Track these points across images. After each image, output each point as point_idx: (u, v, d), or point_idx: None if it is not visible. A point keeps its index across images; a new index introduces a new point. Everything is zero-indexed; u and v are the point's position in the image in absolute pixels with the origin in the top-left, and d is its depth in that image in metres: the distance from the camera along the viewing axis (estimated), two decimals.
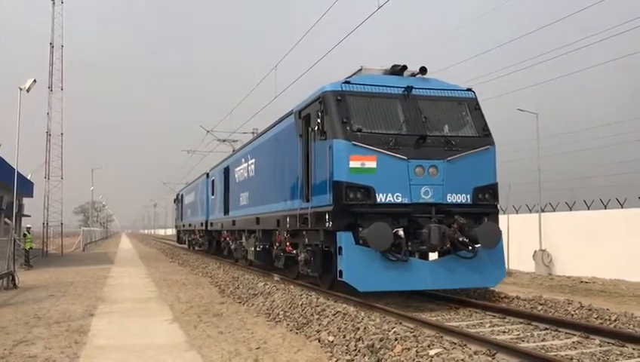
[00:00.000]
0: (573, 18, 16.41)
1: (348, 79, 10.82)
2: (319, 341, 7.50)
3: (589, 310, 9.15)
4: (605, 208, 17.69)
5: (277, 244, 14.20)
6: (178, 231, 42.72)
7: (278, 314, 9.53)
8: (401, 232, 9.68)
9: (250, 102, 27.01)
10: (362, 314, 8.56)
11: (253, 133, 26.67)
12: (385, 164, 9.85)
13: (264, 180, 15.31)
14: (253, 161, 16.89)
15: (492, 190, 10.59)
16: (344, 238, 9.68)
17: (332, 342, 7.29)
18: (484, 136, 10.80)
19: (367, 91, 10.58)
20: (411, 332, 7.08)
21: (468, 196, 10.31)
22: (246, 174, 17.77)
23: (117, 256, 33.09)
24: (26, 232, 25.27)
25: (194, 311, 10.57)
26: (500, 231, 10.24)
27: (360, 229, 9.67)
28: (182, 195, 39.12)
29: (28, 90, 19.47)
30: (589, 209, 18.38)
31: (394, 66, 11.42)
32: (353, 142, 9.80)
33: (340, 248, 9.71)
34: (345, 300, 10.45)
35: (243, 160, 18.35)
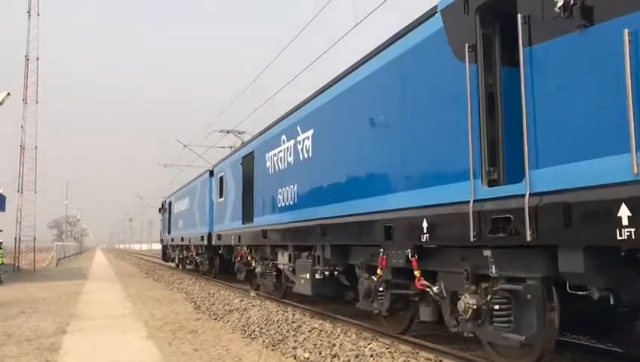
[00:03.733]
0: None
1: None
2: (295, 357, 7.47)
3: None
4: None
5: (379, 273, 8.20)
6: (164, 247, 35.15)
7: (254, 331, 9.46)
8: None
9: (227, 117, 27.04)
10: (338, 330, 8.56)
11: (231, 147, 26.48)
12: None
13: (343, 158, 9.35)
14: (309, 133, 10.80)
15: None
16: None
17: (308, 358, 7.27)
18: None
19: None
20: (387, 349, 7.10)
21: None
22: (291, 158, 11.78)
23: (91, 272, 32.52)
24: None
25: (169, 327, 10.44)
26: None
27: None
28: (170, 203, 32.19)
29: (1, 104, 19.26)
30: None
31: None
32: None
33: None
34: (321, 316, 10.40)
35: (284, 137, 12.31)
